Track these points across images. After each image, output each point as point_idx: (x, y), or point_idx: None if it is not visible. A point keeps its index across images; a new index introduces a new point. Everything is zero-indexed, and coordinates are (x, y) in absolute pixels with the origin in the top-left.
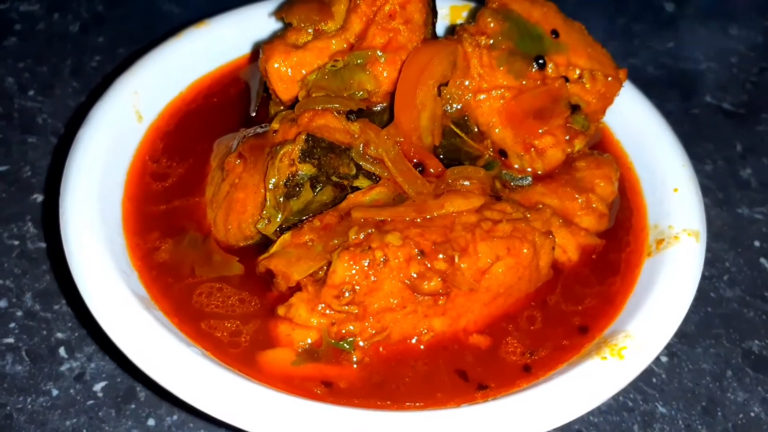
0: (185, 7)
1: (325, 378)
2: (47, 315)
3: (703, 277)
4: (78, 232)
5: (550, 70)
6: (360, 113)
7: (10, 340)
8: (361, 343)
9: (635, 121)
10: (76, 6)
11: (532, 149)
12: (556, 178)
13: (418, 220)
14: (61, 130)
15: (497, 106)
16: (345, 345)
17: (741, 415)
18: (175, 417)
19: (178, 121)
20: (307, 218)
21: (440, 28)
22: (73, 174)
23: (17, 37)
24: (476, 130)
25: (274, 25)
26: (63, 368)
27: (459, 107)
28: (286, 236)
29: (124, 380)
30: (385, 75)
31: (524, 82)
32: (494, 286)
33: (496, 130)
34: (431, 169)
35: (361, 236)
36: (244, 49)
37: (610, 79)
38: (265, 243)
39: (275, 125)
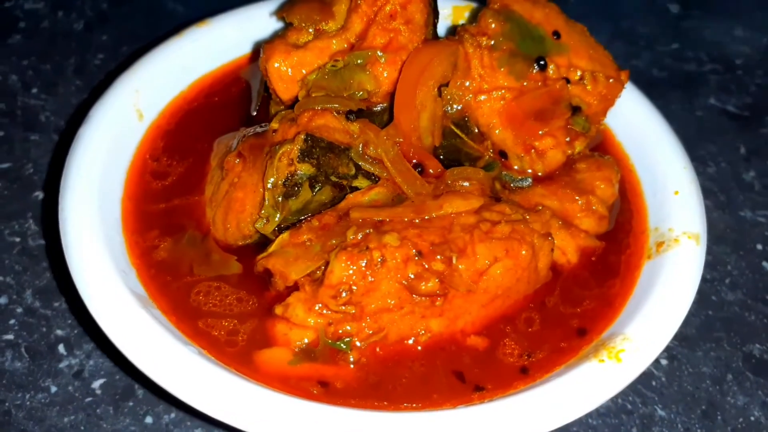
0: (189, 5)
1: (321, 378)
2: (47, 312)
3: (705, 280)
4: (77, 229)
5: (551, 72)
6: (360, 113)
7: (10, 337)
8: (358, 344)
9: (637, 123)
10: (81, 4)
11: (533, 150)
12: (556, 179)
13: (417, 220)
14: (64, 128)
15: (498, 107)
16: (342, 345)
17: (741, 419)
18: (172, 415)
19: (179, 119)
20: (305, 218)
21: (442, 29)
22: (73, 172)
23: (21, 35)
24: (476, 131)
25: (275, 24)
26: (62, 365)
27: (459, 108)
28: (285, 236)
29: (123, 378)
30: (385, 75)
31: (525, 84)
32: (492, 287)
33: (497, 131)
34: (430, 170)
35: (359, 236)
36: (245, 49)
37: (611, 80)
38: (263, 242)
39: (275, 125)
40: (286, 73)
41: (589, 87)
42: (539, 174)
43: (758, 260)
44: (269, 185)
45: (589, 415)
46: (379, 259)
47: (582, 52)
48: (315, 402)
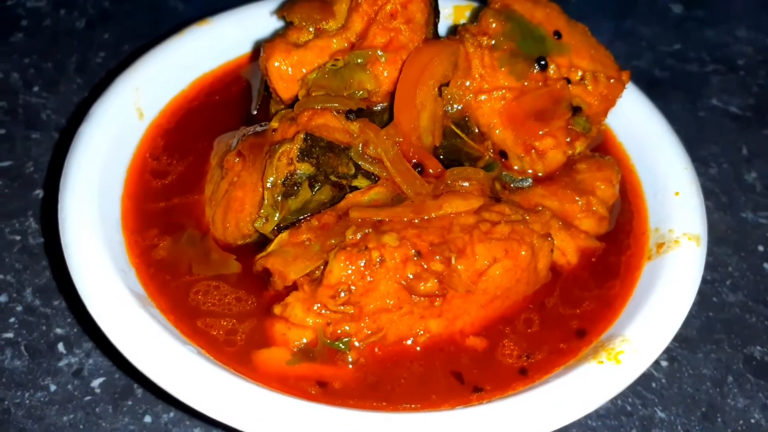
0: (190, 3)
1: (320, 378)
2: (47, 310)
3: (705, 282)
4: (76, 228)
5: (551, 72)
6: (360, 113)
7: (10, 335)
8: (356, 344)
9: (638, 124)
10: (83, 2)
11: (533, 151)
12: (556, 180)
13: (416, 220)
14: (65, 126)
15: (498, 107)
16: (340, 345)
17: (741, 422)
18: (171, 414)
19: (179, 118)
20: (305, 217)
21: (443, 28)
22: (73, 170)
23: (23, 33)
24: (477, 130)
25: (275, 23)
26: (61, 364)
27: (460, 108)
28: (284, 235)
29: (122, 377)
30: (385, 75)
31: (526, 83)
32: (491, 288)
33: (497, 131)
34: (430, 170)
35: (358, 236)
36: (245, 48)
37: (612, 80)
38: (262, 242)
39: (274, 124)
40: (286, 72)
41: (590, 87)
42: (539, 174)
43: (759, 262)
44: (269, 184)
45: (588, 416)
46: (378, 259)
47: (583, 52)
48: (313, 402)
